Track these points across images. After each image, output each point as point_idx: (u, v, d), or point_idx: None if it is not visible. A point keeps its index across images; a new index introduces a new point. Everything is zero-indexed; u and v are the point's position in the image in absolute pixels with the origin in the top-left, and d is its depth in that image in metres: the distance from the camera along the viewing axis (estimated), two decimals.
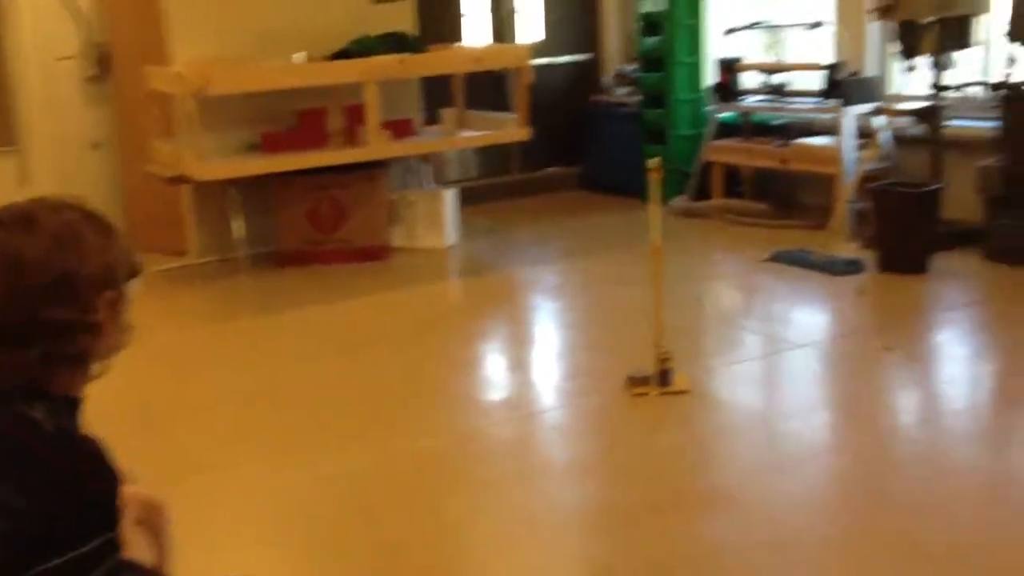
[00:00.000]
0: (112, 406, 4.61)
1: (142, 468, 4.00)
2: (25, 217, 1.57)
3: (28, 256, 1.53)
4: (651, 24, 8.11)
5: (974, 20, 6.19)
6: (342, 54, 6.88)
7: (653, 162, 4.34)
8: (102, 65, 7.71)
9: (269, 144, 6.82)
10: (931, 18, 6.07)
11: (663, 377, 4.37)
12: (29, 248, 1.53)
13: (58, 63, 7.61)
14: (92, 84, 7.77)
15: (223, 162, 6.66)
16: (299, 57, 6.79)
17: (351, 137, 6.87)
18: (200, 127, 6.26)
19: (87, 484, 1.53)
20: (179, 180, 6.73)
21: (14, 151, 7.57)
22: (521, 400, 4.63)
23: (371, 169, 6.98)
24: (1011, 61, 5.83)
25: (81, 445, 1.55)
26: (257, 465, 3.99)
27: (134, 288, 1.69)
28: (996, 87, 5.95)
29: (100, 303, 1.60)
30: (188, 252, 7.27)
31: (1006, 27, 5.86)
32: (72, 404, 1.63)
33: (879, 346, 4.77)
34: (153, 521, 2.09)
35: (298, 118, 6.94)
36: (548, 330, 5.83)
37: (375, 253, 7.01)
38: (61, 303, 1.54)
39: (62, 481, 1.50)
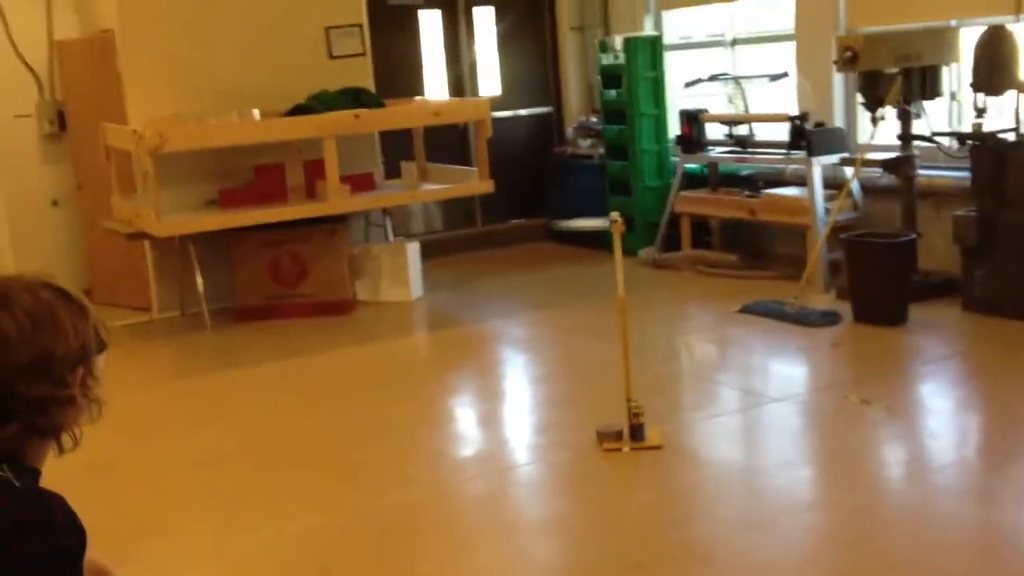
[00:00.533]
0: (68, 465, 4.45)
1: (96, 530, 3.82)
2: (1, 297, 1.61)
3: (8, 336, 1.57)
4: (611, 77, 8.12)
5: (941, 70, 6.21)
6: (300, 109, 6.82)
7: (614, 215, 4.27)
8: (60, 123, 7.61)
9: (227, 200, 6.73)
10: (895, 69, 6.07)
11: (635, 432, 4.25)
12: (8, 328, 1.58)
13: (15, 120, 7.51)
14: (50, 141, 7.67)
15: (182, 218, 6.54)
16: (253, 113, 6.72)
17: (310, 192, 6.78)
18: (158, 184, 6.16)
19: (59, 539, 1.56)
20: (138, 236, 6.63)
21: None
22: (491, 455, 4.50)
23: (332, 223, 6.89)
24: (980, 111, 5.82)
25: (50, 501, 1.59)
26: (214, 526, 3.85)
27: (101, 363, 1.73)
28: (966, 137, 5.94)
29: (73, 379, 1.65)
30: (150, 307, 7.15)
31: (970, 78, 5.87)
32: (34, 473, 1.67)
33: (857, 399, 4.68)
34: None
35: (256, 173, 6.85)
36: (517, 384, 5.70)
37: (338, 307, 6.89)
38: (39, 380, 1.59)
39: (35, 537, 1.52)
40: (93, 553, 2.06)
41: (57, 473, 4.16)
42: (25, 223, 7.55)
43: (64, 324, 1.62)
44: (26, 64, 7.51)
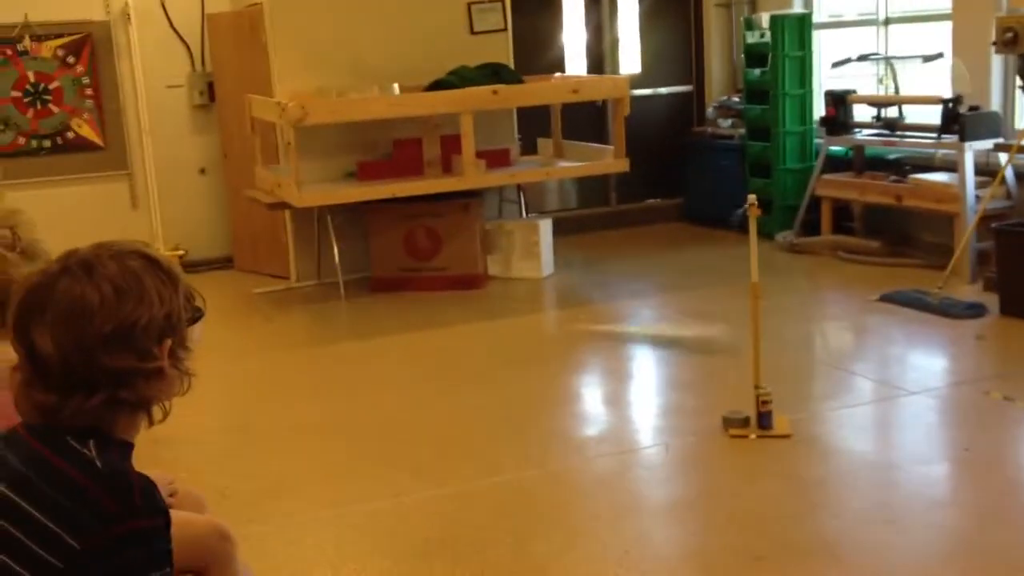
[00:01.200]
0: (209, 424, 4.66)
1: (227, 489, 3.97)
2: (87, 264, 1.58)
3: (90, 304, 1.54)
4: (756, 56, 7.92)
5: None
6: (439, 84, 6.87)
7: (751, 198, 4.16)
8: (209, 94, 7.87)
9: (365, 172, 6.85)
10: None
11: (763, 419, 4.16)
12: (91, 296, 1.54)
13: (168, 90, 7.81)
14: (199, 112, 7.95)
15: (321, 189, 6.69)
16: (393, 88, 6.81)
17: (446, 166, 6.84)
18: (299, 155, 6.32)
19: (138, 521, 1.51)
20: (279, 206, 6.82)
21: (125, 175, 7.79)
22: (614, 436, 4.47)
23: (466, 198, 6.94)
24: None
25: (131, 482, 1.54)
26: (335, 493, 3.93)
27: (197, 333, 1.69)
28: None
29: (161, 351, 1.60)
30: (289, 275, 7.36)
31: None
32: (125, 447, 1.62)
33: (999, 396, 4.46)
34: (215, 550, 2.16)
35: (394, 147, 6.94)
36: (643, 365, 5.64)
37: (470, 282, 6.95)
38: (121, 351, 1.55)
39: (113, 519, 1.49)
40: (212, 518, 2.12)
41: (194, 433, 4.34)
42: (174, 190, 7.87)
43: (150, 293, 1.58)
44: (179, 36, 7.80)
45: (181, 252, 7.70)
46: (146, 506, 1.52)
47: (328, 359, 5.78)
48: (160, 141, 7.78)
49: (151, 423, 1.66)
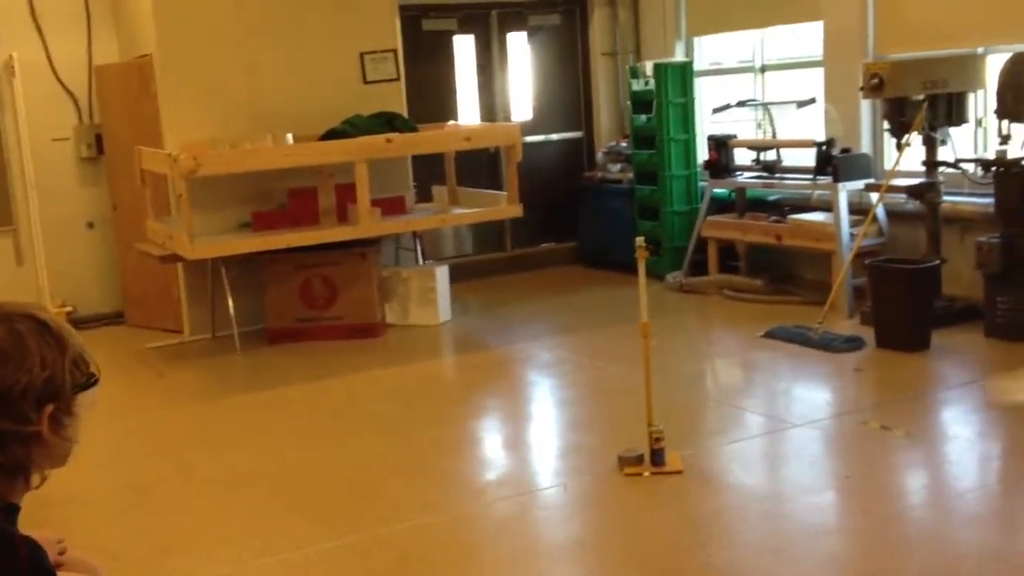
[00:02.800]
0: (100, 482, 4.57)
1: (123, 549, 3.90)
2: None
3: None
4: (642, 102, 8.18)
5: (967, 97, 6.21)
6: (333, 133, 6.93)
7: (639, 241, 4.32)
8: (97, 146, 7.77)
9: (260, 223, 6.84)
10: (921, 95, 6.08)
11: (656, 457, 4.29)
12: None
13: (54, 143, 7.69)
14: (87, 164, 7.84)
15: (214, 241, 6.66)
16: (287, 137, 6.84)
17: (342, 215, 6.87)
18: (192, 207, 6.28)
19: None
20: (171, 259, 6.75)
21: (10, 231, 7.61)
22: (513, 479, 4.53)
23: (362, 246, 6.98)
24: (1005, 138, 5.82)
25: (19, 546, 1.52)
26: (237, 548, 3.89)
27: (91, 399, 1.65)
28: (990, 164, 5.94)
29: (40, 416, 1.57)
30: (182, 329, 7.27)
31: (995, 105, 5.87)
32: (10, 509, 1.60)
33: (877, 425, 4.68)
34: None
35: (289, 197, 6.95)
36: (541, 408, 5.74)
37: (368, 330, 6.97)
38: None
39: None
40: (89, 558, 2.06)
41: (83, 492, 4.28)
42: (61, 245, 7.71)
43: (32, 358, 1.56)
44: (65, 88, 7.69)
45: (69, 308, 7.54)
46: (33, 569, 1.51)
47: (223, 413, 5.73)
48: (46, 195, 7.63)
49: (28, 488, 1.63)
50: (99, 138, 7.75)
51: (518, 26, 9.09)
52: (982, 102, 6.37)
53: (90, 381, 1.65)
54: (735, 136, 7.72)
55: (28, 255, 7.65)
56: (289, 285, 7.01)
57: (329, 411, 5.57)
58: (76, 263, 7.79)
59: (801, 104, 7.47)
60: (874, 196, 6.46)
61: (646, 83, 8.13)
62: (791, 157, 7.41)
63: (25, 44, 7.50)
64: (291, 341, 6.92)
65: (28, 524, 1.62)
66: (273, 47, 7.22)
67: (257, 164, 6.59)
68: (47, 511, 3.82)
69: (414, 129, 7.23)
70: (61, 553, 2.19)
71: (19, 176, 7.57)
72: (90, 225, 7.88)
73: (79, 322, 7.37)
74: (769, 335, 6.24)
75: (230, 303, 6.88)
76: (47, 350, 1.58)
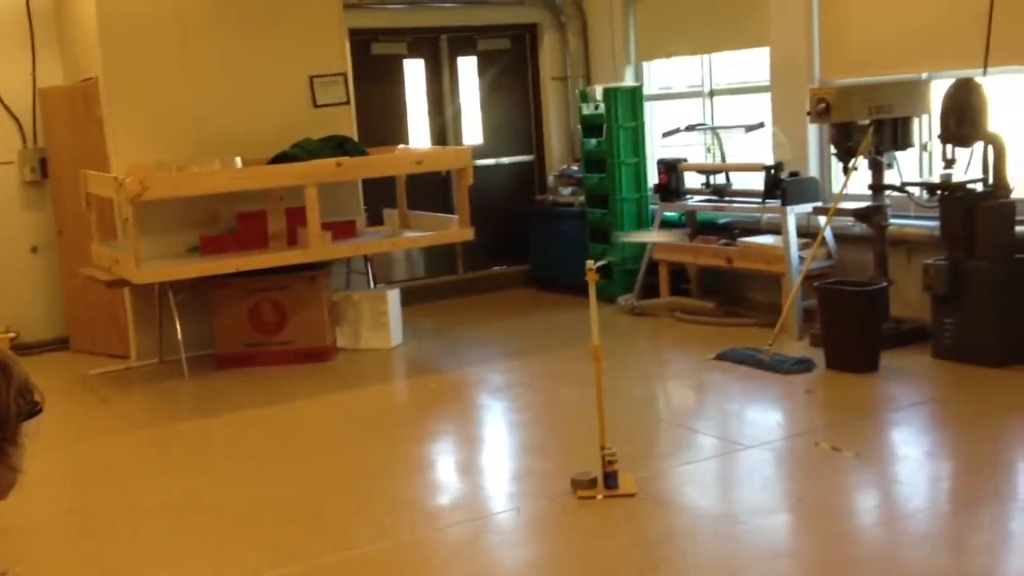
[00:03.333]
0: (45, 510, 4.47)
1: None
2: None
3: None
4: (592, 126, 8.22)
5: (912, 121, 6.31)
6: (282, 157, 6.88)
7: (589, 264, 4.33)
8: (41, 170, 7.66)
9: (208, 247, 6.77)
10: (867, 120, 6.17)
11: (609, 480, 4.28)
12: None
13: None
14: (31, 188, 7.72)
15: (162, 265, 6.57)
16: (236, 161, 6.78)
17: (292, 239, 6.82)
18: (138, 231, 6.19)
19: None
20: (118, 284, 6.66)
21: None
22: (466, 504, 4.50)
23: (313, 270, 6.92)
24: (949, 162, 5.92)
25: None
26: None
27: (34, 428, 1.62)
28: (935, 187, 6.03)
29: None
30: (129, 355, 7.16)
31: (939, 129, 5.97)
32: None
33: (828, 446, 4.71)
34: None
35: (238, 221, 6.89)
36: (494, 431, 5.72)
37: (318, 354, 6.91)
38: None
39: None
40: None
41: (28, 521, 4.18)
42: (4, 269, 7.58)
43: None
44: (8, 111, 7.58)
45: (12, 334, 7.38)
46: None
47: (171, 439, 5.64)
48: None
49: None
50: (43, 161, 7.64)
51: (468, 50, 9.11)
52: (927, 127, 6.48)
53: (35, 410, 1.62)
54: (685, 160, 7.78)
55: None
56: (238, 309, 6.93)
57: (279, 436, 5.50)
58: (20, 288, 7.64)
59: (750, 128, 7.55)
60: (822, 219, 6.54)
61: (596, 107, 8.18)
62: (740, 181, 7.49)
63: None
64: (241, 366, 6.84)
65: None
66: (221, 70, 7.16)
67: (205, 188, 6.52)
68: None
69: (364, 153, 7.21)
70: None
71: None
72: (34, 249, 7.76)
73: (22, 347, 7.23)
74: (720, 357, 6.27)
75: (178, 328, 6.79)
76: None
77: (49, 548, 4.15)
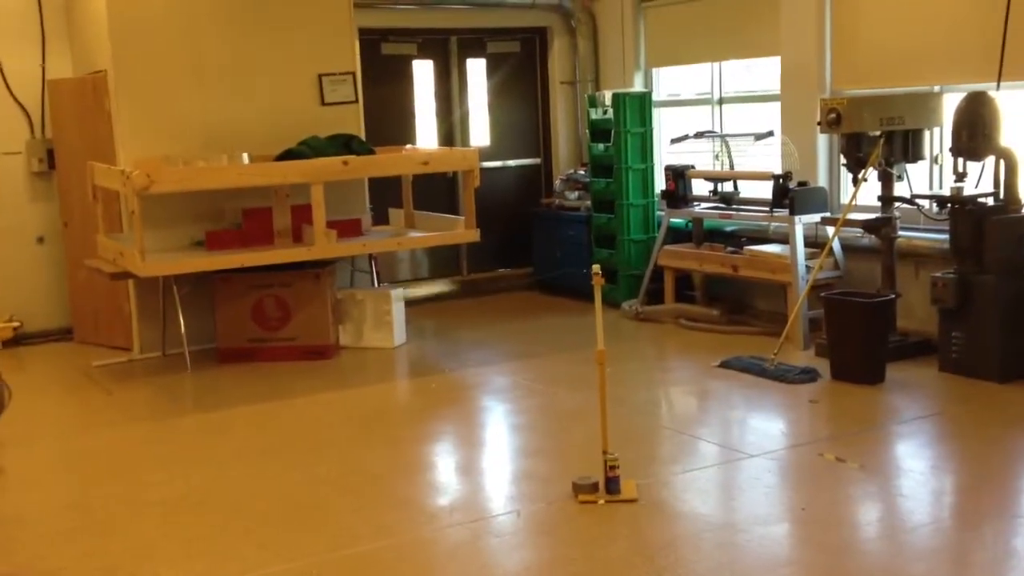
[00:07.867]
0: (45, 502, 4.45)
1: (65, 570, 3.80)
2: None
3: None
4: (600, 131, 8.20)
5: (923, 134, 6.29)
6: (289, 154, 6.87)
7: (595, 268, 4.30)
8: (49, 161, 7.66)
9: (213, 242, 6.75)
10: (877, 131, 6.15)
11: (610, 485, 4.25)
12: None
13: (4, 157, 7.57)
14: (38, 179, 7.72)
15: (167, 259, 6.56)
16: (243, 157, 6.77)
17: (297, 236, 6.81)
18: (144, 224, 6.18)
19: None
20: (122, 276, 6.64)
21: None
22: (466, 505, 4.47)
23: (317, 268, 6.91)
24: (960, 175, 5.89)
25: None
26: (182, 574, 3.80)
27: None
28: (945, 200, 6.01)
29: None
30: (132, 347, 7.15)
31: (950, 142, 5.94)
32: None
33: (832, 457, 4.69)
34: None
35: (244, 216, 6.88)
36: (495, 433, 5.69)
37: (320, 352, 6.89)
38: None
39: None
40: None
41: (27, 512, 4.17)
42: (10, 259, 7.59)
43: None
44: (17, 102, 7.58)
45: (16, 324, 7.39)
46: None
47: (172, 433, 5.62)
48: None
49: None
50: (51, 153, 7.64)
51: (478, 53, 9.11)
52: (938, 139, 6.46)
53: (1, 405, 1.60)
54: (693, 167, 7.76)
55: None
56: (242, 305, 6.92)
57: (280, 432, 5.48)
58: (25, 278, 7.64)
59: (759, 137, 7.54)
60: (830, 229, 6.52)
61: (604, 112, 8.16)
62: (748, 189, 7.47)
63: None
64: (243, 361, 6.83)
65: None
66: (231, 66, 7.16)
67: (212, 182, 6.51)
68: None
69: (371, 152, 7.20)
70: None
71: None
72: (40, 240, 7.76)
73: (26, 337, 7.23)
74: (724, 365, 6.25)
75: (181, 322, 6.78)
76: None
77: (49, 540, 4.12)
